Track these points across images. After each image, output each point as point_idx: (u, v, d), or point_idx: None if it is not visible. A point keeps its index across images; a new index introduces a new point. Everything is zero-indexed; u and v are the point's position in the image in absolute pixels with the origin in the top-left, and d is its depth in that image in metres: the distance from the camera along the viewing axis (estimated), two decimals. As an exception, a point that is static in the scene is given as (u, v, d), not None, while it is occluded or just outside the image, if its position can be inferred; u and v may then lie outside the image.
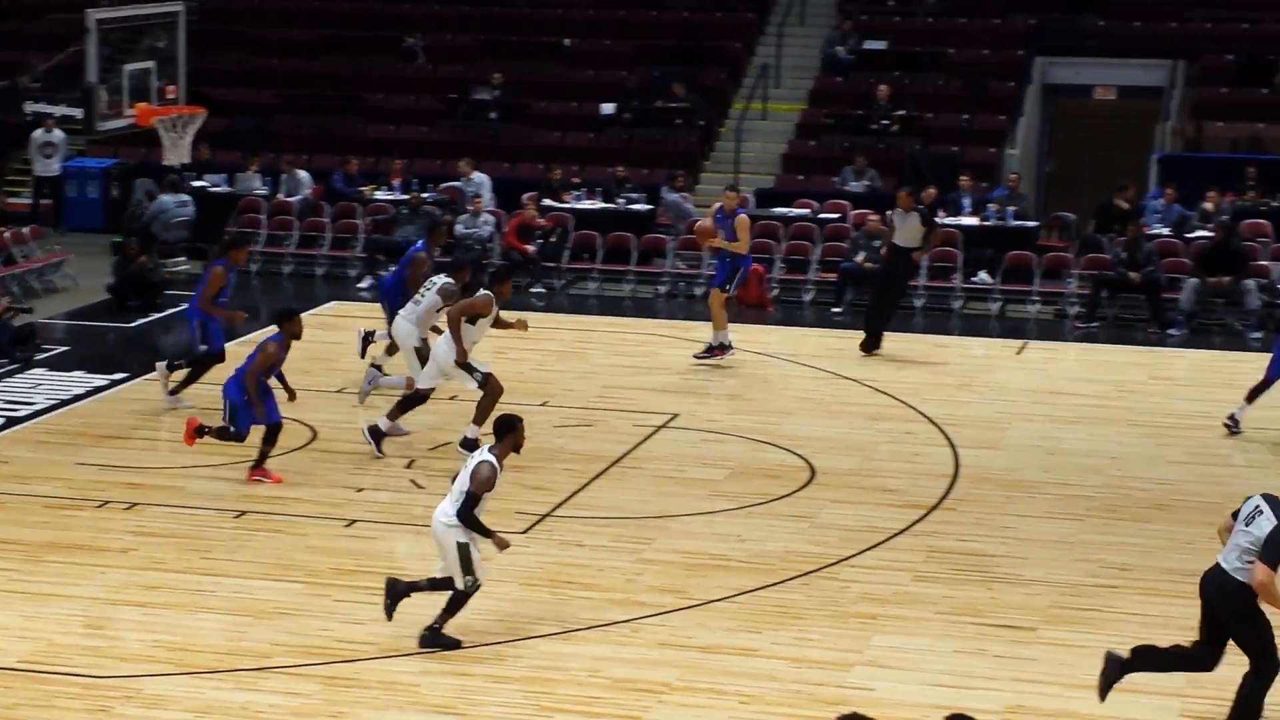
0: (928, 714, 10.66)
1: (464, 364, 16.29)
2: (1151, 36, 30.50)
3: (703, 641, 12.30)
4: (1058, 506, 15.58)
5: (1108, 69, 30.44)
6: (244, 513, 14.97)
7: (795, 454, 16.98)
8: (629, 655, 12.05)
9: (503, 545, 12.23)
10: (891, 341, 21.58)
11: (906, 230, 21.31)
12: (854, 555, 14.13)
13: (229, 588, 13.22)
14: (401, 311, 17.54)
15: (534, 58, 31.67)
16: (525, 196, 26.68)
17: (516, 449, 12.30)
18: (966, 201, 26.30)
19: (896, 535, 14.67)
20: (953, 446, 17.33)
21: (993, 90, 29.82)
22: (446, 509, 12.08)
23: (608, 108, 29.70)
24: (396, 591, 12.24)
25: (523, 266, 25.82)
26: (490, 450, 12.14)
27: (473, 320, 16.27)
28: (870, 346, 21.35)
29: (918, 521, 15.07)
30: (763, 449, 17.20)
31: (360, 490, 15.60)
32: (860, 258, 24.66)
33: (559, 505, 15.30)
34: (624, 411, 18.39)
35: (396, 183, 27.74)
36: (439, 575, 12.22)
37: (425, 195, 27.05)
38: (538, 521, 14.84)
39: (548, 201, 26.93)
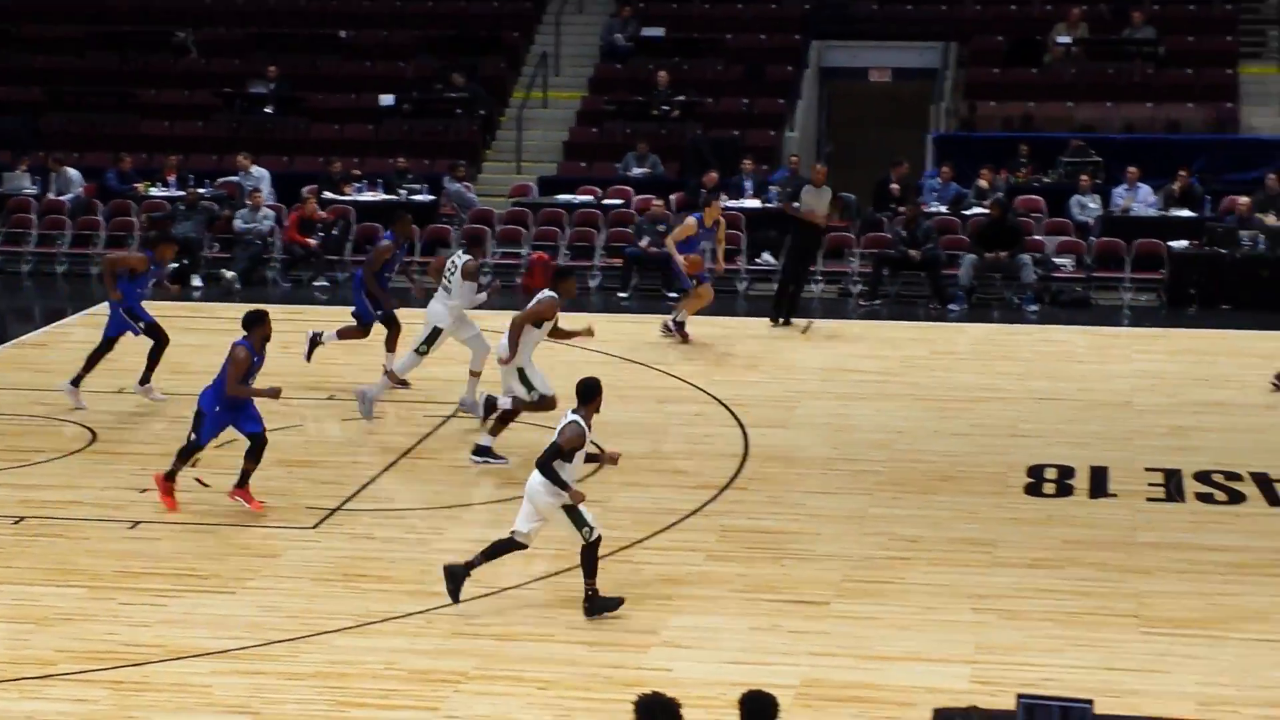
0: (725, 691, 10.66)
1: (520, 370, 15.75)
2: (924, 19, 31.02)
3: (499, 629, 12.21)
4: (847, 482, 15.74)
5: (882, 51, 30.90)
6: (22, 518, 14.54)
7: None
8: (424, 646, 11.92)
9: (578, 498, 12.35)
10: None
11: (820, 205, 22.27)
12: (648, 537, 14.13)
13: (9, 595, 12.82)
14: (435, 297, 17.52)
15: (310, 50, 31.29)
16: (305, 190, 26.36)
17: (597, 410, 12.60)
18: (748, 184, 26.52)
19: (689, 516, 14.71)
20: (742, 427, 17.43)
21: (770, 74, 30.09)
22: (540, 480, 12.34)
23: (387, 99, 29.43)
24: (454, 576, 12.38)
25: (304, 261, 25.53)
26: (574, 412, 12.38)
27: (537, 324, 15.77)
28: (782, 316, 22.40)
29: (710, 502, 15.12)
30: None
31: (143, 491, 15.23)
32: (645, 243, 24.74)
33: (350, 498, 15.11)
34: (413, 402, 18.22)
35: (171, 179, 27.23)
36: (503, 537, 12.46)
37: (202, 191, 26.59)
38: (328, 515, 14.63)
39: (328, 194, 26.63)
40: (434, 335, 17.35)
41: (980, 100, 29.38)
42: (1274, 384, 18.79)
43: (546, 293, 15.80)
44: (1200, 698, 11.05)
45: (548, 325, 15.80)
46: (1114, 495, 15.31)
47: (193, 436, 14.63)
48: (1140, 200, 25.63)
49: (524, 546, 12.56)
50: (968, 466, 16.20)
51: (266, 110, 29.63)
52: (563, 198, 26.84)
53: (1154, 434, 17.26)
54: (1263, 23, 30.65)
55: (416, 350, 17.49)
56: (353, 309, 18.98)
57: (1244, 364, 20.22)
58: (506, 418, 16.11)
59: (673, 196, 26.20)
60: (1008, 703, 9.37)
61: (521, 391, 15.81)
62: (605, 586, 13.04)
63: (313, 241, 25.44)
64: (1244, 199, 24.89)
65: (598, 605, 12.39)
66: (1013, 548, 13.92)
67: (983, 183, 26.12)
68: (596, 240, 25.60)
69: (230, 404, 14.51)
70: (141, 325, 17.88)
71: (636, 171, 27.53)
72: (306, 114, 29.82)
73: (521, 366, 15.73)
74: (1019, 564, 13.55)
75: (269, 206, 26.21)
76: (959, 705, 10.55)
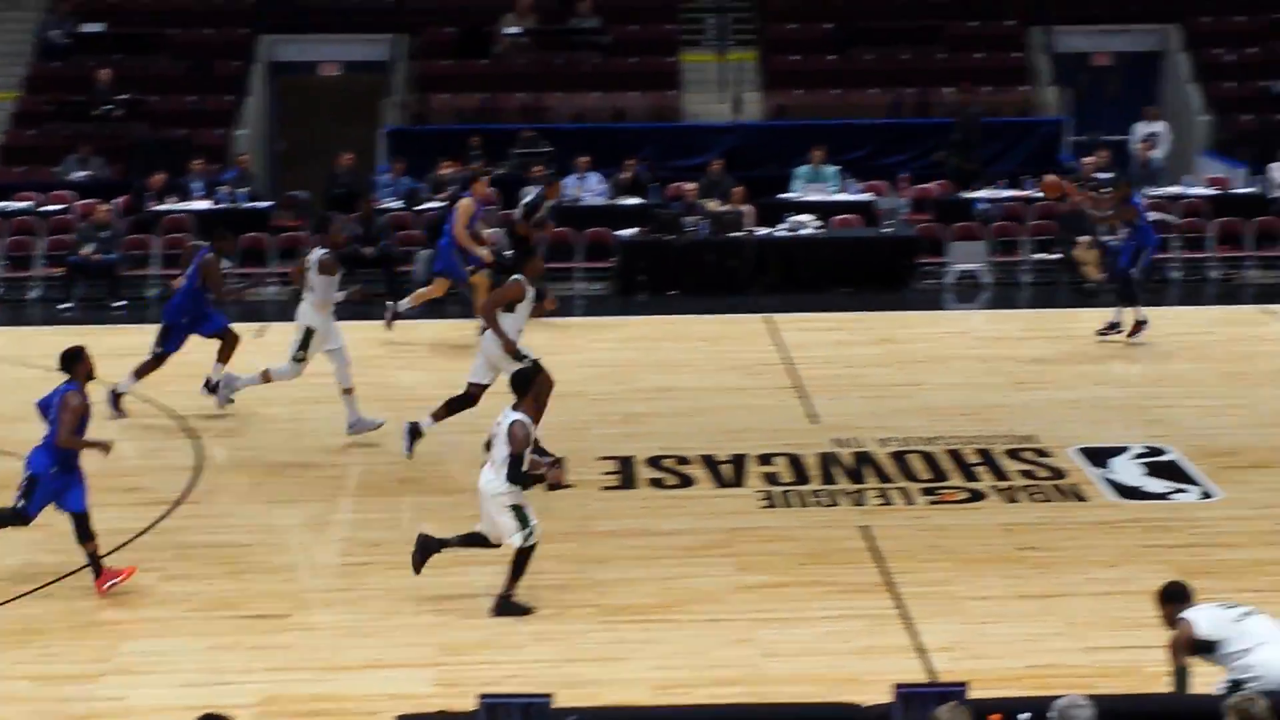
0: (182, 716, 10.30)
1: (513, 353, 15.43)
2: (373, 11, 30.94)
3: (-66, 671, 11.55)
4: (306, 489, 15.52)
5: (332, 45, 30.71)
6: None
7: (29, 460, 16.18)
8: None
9: (553, 484, 12.48)
10: (138, 336, 20.89)
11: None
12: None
13: None
14: (304, 297, 16.79)
15: None
16: None
17: (539, 400, 12.59)
18: (198, 185, 25.90)
19: (140, 535, 14.24)
20: (197, 438, 16.98)
21: (218, 70, 29.51)
22: (490, 477, 12.29)
23: None
24: (427, 547, 12.50)
25: None
26: (515, 409, 12.25)
27: (509, 308, 15.59)
28: None
29: (162, 518, 14.69)
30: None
31: None
32: (89, 250, 23.83)
33: None
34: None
35: None
36: (476, 529, 12.51)
37: None
38: None
39: None
40: (308, 337, 16.84)
41: (433, 92, 29.46)
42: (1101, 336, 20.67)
43: (514, 277, 15.79)
44: (656, 682, 11.29)
45: (522, 306, 15.65)
46: (570, 485, 15.50)
47: (19, 505, 12.87)
48: (590, 189, 26.14)
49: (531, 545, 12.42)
50: (427, 466, 16.15)
51: None
52: (-1, 204, 25.70)
53: (608, 422, 17.59)
54: (701, 11, 31.63)
55: (294, 358, 16.91)
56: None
57: (691, 348, 20.87)
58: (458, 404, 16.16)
59: (118, 200, 25.36)
60: (474, 704, 9.37)
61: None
62: (52, 614, 12.54)
63: None
64: (690, 185, 25.66)
65: (512, 608, 12.36)
66: (472, 546, 13.93)
67: (444, 172, 26.08)
68: (35, 249, 24.56)
69: (64, 466, 12.96)
70: None
71: (78, 175, 26.55)
72: None
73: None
74: (479, 562, 13.51)
75: None
76: (424, 710, 10.50)
